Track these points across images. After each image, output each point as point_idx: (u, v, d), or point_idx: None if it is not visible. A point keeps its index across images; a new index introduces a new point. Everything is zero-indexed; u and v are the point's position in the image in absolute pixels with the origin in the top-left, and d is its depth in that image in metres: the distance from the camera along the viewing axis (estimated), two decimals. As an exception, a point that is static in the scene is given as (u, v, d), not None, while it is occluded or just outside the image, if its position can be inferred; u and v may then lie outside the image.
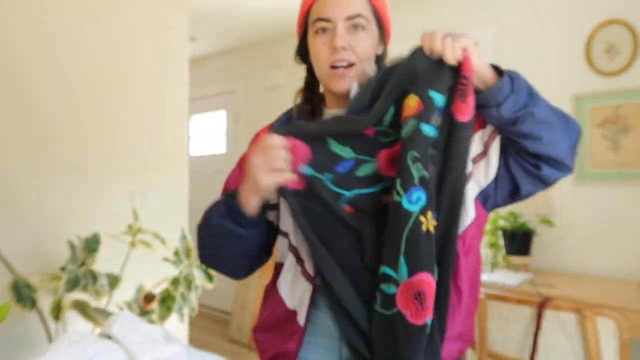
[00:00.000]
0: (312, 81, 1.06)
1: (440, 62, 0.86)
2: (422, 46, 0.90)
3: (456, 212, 0.85)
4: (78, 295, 1.89)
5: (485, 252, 2.46)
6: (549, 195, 2.53)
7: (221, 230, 0.93)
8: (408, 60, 0.90)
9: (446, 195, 0.85)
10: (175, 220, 2.56)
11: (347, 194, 0.88)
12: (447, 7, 2.96)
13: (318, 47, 0.95)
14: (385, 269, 0.83)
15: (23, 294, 1.72)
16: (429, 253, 0.82)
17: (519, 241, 2.41)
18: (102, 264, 2.03)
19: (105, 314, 1.82)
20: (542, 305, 1.73)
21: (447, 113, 0.84)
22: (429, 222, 0.82)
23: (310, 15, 0.98)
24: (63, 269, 1.80)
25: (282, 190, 0.89)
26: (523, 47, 2.66)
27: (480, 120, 0.90)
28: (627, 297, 1.95)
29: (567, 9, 2.51)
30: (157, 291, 2.03)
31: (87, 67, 2.22)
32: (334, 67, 0.94)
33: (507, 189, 0.92)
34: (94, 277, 1.77)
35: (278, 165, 0.85)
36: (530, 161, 0.88)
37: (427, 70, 0.86)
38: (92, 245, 1.87)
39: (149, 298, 1.96)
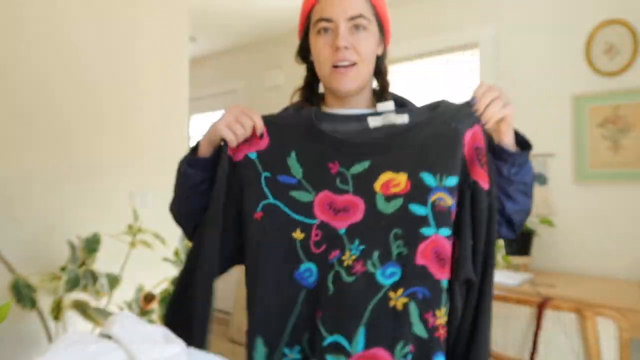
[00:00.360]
0: (312, 80, 1.07)
1: (450, 135, 0.89)
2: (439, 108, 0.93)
3: (488, 271, 0.89)
4: (78, 295, 1.89)
5: (485, 252, 2.45)
6: (549, 195, 2.53)
7: (178, 174, 1.02)
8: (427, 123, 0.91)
9: (478, 256, 0.89)
10: (175, 220, 2.56)
11: (270, 199, 0.91)
12: (448, 7, 2.96)
13: (320, 46, 0.96)
14: (337, 338, 0.82)
15: (23, 294, 1.72)
16: (391, 329, 0.82)
17: (519, 241, 2.41)
18: (102, 264, 2.03)
19: (105, 314, 1.82)
20: (542, 306, 1.73)
21: (469, 179, 0.88)
22: (398, 300, 0.83)
23: (312, 16, 0.98)
24: (63, 269, 1.80)
25: (222, 147, 0.94)
26: (523, 47, 2.66)
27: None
28: (627, 297, 1.95)
29: (567, 8, 2.51)
30: (157, 291, 2.02)
31: (86, 67, 2.21)
32: (335, 66, 0.95)
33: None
34: (94, 277, 1.77)
35: (237, 127, 0.91)
36: (500, 219, 0.95)
37: (427, 140, 0.89)
38: (92, 245, 1.87)
39: (149, 298, 1.96)
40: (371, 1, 0.98)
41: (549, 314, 1.74)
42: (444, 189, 0.86)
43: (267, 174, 0.92)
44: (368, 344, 0.81)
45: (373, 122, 0.92)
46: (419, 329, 0.83)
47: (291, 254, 0.89)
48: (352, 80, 0.95)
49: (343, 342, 0.82)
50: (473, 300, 0.88)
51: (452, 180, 0.87)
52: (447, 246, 0.85)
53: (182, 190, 1.03)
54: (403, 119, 0.91)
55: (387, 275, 0.84)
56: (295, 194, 0.91)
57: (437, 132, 0.89)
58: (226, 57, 4.46)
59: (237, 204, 0.93)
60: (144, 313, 1.94)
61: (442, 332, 0.85)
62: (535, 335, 1.76)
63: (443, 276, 0.85)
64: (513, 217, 0.97)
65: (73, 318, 2.12)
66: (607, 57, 2.37)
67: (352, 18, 0.94)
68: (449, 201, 0.86)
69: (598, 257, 2.40)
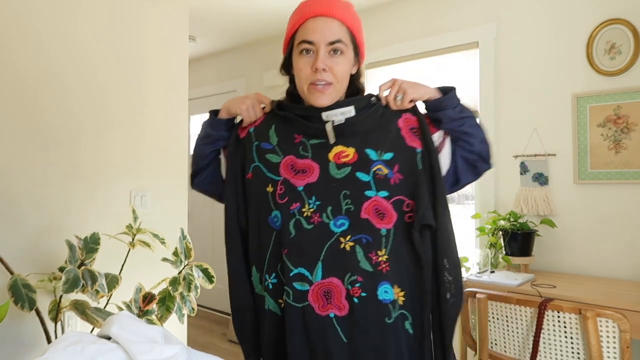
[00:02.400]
0: (293, 90, 1.23)
1: (386, 123, 1.17)
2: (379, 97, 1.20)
3: (441, 212, 1.13)
4: (77, 295, 1.88)
5: (485, 252, 2.45)
6: (550, 195, 2.53)
7: (202, 130, 1.29)
8: (370, 114, 1.17)
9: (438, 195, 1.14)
10: (175, 220, 2.56)
11: (256, 162, 1.19)
12: (448, 7, 2.96)
13: (301, 66, 1.13)
14: (301, 270, 1.07)
15: (22, 294, 1.71)
16: (342, 264, 1.06)
17: (519, 242, 2.41)
18: (101, 264, 2.02)
19: (104, 314, 1.81)
20: (542, 306, 1.73)
21: (408, 147, 1.16)
22: (347, 243, 1.08)
23: (296, 37, 1.15)
24: (62, 269, 1.79)
25: (235, 125, 1.27)
26: (523, 47, 2.65)
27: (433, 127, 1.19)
28: (628, 298, 1.95)
29: (567, 8, 2.51)
30: (156, 291, 2.02)
31: (86, 68, 2.21)
32: (314, 84, 1.12)
33: (450, 182, 1.20)
34: (93, 277, 1.76)
35: (249, 108, 1.22)
36: (473, 157, 1.19)
37: (372, 128, 1.16)
38: (91, 245, 1.86)
39: (148, 298, 1.95)
40: (349, 28, 1.13)
41: (549, 315, 1.73)
42: (382, 162, 1.12)
43: (256, 142, 1.21)
44: (324, 275, 1.06)
45: (326, 117, 1.15)
46: (365, 265, 1.07)
47: (266, 204, 1.14)
48: (327, 97, 1.13)
49: (306, 273, 1.07)
50: (438, 238, 1.12)
51: (389, 155, 1.13)
52: (385, 204, 1.10)
53: (201, 140, 1.28)
54: (350, 111, 1.15)
55: (338, 225, 1.09)
56: (269, 156, 1.17)
57: (376, 122, 1.17)
58: (226, 57, 4.46)
59: (242, 172, 1.21)
60: (143, 313, 1.94)
61: (384, 267, 1.07)
62: (536, 335, 1.75)
63: (382, 226, 1.09)
64: (481, 149, 1.19)
65: (72, 318, 2.11)
66: (608, 56, 2.37)
67: (331, 43, 1.10)
68: (385, 170, 1.11)
69: (599, 257, 2.40)
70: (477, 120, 1.20)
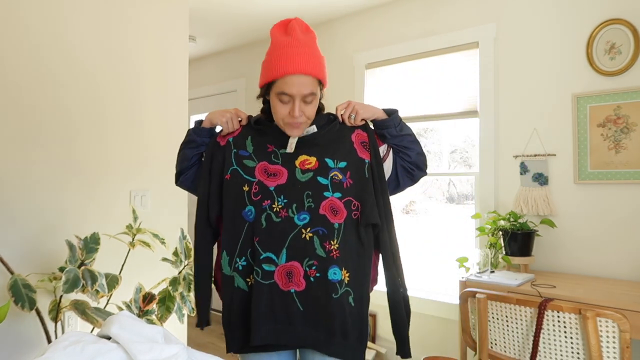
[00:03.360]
0: (268, 111, 1.44)
1: (342, 137, 1.43)
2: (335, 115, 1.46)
3: (387, 215, 1.42)
4: (77, 295, 1.88)
5: (485, 252, 2.45)
6: (550, 195, 2.53)
7: (186, 137, 1.49)
8: (328, 130, 1.43)
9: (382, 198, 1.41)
10: (175, 220, 2.56)
11: (234, 166, 1.41)
12: (447, 7, 2.96)
13: (279, 109, 1.35)
14: (269, 254, 1.32)
15: (22, 294, 1.71)
16: (302, 250, 1.31)
17: (519, 242, 2.41)
18: (101, 264, 2.03)
19: (104, 314, 1.81)
20: (542, 306, 1.73)
21: (359, 158, 1.41)
22: (307, 234, 1.32)
23: (273, 86, 1.35)
24: (62, 269, 1.79)
25: (215, 133, 1.49)
26: (523, 47, 2.65)
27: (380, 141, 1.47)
28: (628, 298, 1.95)
29: (567, 7, 2.51)
30: (156, 291, 2.02)
31: (86, 68, 2.21)
32: (289, 122, 1.35)
33: (393, 186, 1.49)
34: (93, 277, 1.76)
35: (228, 121, 1.44)
36: (410, 167, 1.47)
37: (330, 142, 1.41)
38: (91, 245, 1.86)
39: (148, 298, 1.95)
40: (318, 78, 1.35)
41: (549, 315, 1.73)
42: (337, 169, 1.37)
43: (235, 150, 1.43)
44: (288, 259, 1.32)
45: (292, 137, 1.40)
46: (320, 252, 1.32)
47: (241, 200, 1.36)
48: (299, 130, 1.38)
49: (273, 257, 1.32)
50: (386, 237, 1.40)
51: (343, 164, 1.38)
52: (338, 203, 1.34)
53: (186, 145, 1.48)
54: (313, 128, 1.41)
55: (300, 219, 1.33)
56: (246, 161, 1.40)
57: (334, 136, 1.42)
58: (226, 57, 4.46)
59: (220, 173, 1.43)
60: (143, 313, 1.94)
61: (335, 253, 1.32)
62: (536, 335, 1.75)
63: (335, 221, 1.33)
64: (417, 160, 1.47)
65: (72, 318, 2.11)
66: (608, 56, 2.37)
67: (305, 96, 1.33)
68: (340, 176, 1.36)
69: (599, 257, 2.40)
70: (414, 138, 1.48)
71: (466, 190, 3.12)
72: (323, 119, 1.44)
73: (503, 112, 2.72)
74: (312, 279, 1.31)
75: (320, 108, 1.47)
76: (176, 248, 2.04)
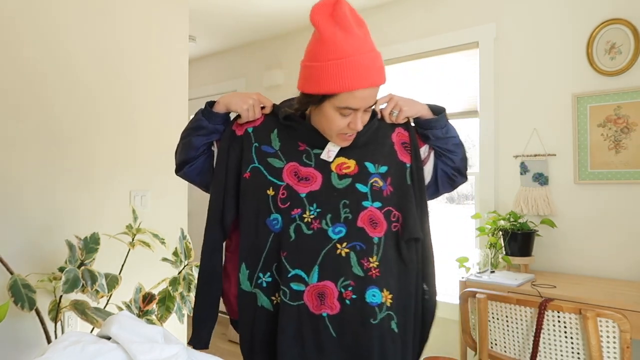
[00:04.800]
0: (303, 113, 1.24)
1: (381, 137, 1.25)
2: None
3: (427, 228, 1.26)
4: (77, 295, 1.88)
5: (485, 252, 2.45)
6: (550, 195, 2.53)
7: (195, 121, 1.27)
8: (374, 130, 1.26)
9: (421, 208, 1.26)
10: (175, 220, 2.55)
11: (256, 163, 1.22)
12: (448, 7, 2.96)
13: (338, 121, 1.14)
14: (298, 272, 1.14)
15: (22, 294, 1.71)
16: (337, 268, 1.14)
17: (519, 242, 2.41)
18: (101, 264, 2.02)
19: (104, 314, 1.81)
20: (542, 306, 1.73)
21: (399, 161, 1.25)
22: (342, 249, 1.15)
23: (336, 99, 1.11)
24: (62, 269, 1.79)
25: (227, 117, 1.28)
26: (523, 47, 2.65)
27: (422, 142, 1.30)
28: (628, 298, 1.95)
29: (567, 7, 2.50)
30: (156, 291, 2.02)
31: (86, 68, 2.21)
32: (343, 133, 1.17)
33: (430, 192, 1.32)
34: (93, 277, 1.76)
35: (249, 108, 1.23)
36: (452, 172, 1.31)
37: (369, 142, 1.24)
38: (91, 245, 1.86)
39: (148, 298, 1.95)
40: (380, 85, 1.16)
41: (549, 315, 1.73)
42: (378, 175, 1.20)
43: (256, 144, 1.23)
44: (320, 278, 1.14)
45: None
46: (357, 270, 1.15)
47: (265, 206, 1.19)
48: (349, 143, 1.20)
49: (303, 275, 1.14)
50: (420, 249, 1.24)
51: (384, 169, 1.22)
52: (378, 214, 1.18)
53: (194, 131, 1.27)
54: None
55: (336, 232, 1.16)
56: (271, 160, 1.21)
57: (373, 136, 1.24)
58: (226, 57, 4.46)
59: (237, 169, 1.24)
60: (143, 313, 1.93)
61: (374, 272, 1.15)
62: (536, 335, 1.75)
63: (375, 235, 1.17)
64: (461, 165, 1.31)
65: (72, 318, 2.11)
66: (608, 56, 2.37)
67: (369, 107, 1.15)
68: (380, 183, 1.20)
69: (599, 257, 2.40)
70: (459, 140, 1.31)
71: (466, 190, 3.12)
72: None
73: (503, 112, 2.72)
74: (347, 301, 1.13)
75: None
76: (176, 248, 2.04)
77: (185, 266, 2.01)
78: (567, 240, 2.49)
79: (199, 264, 2.02)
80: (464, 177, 1.34)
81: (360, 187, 1.18)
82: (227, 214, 1.24)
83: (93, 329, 1.91)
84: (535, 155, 2.58)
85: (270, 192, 1.19)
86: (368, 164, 1.21)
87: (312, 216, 1.16)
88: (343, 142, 1.19)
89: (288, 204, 1.17)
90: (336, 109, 1.13)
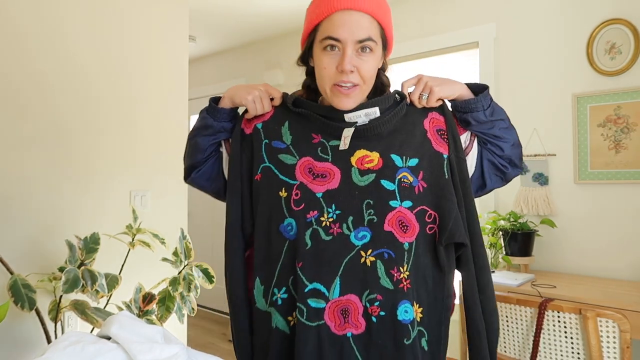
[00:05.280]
0: (311, 84, 1.11)
1: (411, 124, 1.07)
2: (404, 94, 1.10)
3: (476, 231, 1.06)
4: (77, 295, 1.88)
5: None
6: (550, 195, 2.53)
7: (200, 120, 1.14)
8: (395, 113, 1.07)
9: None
10: (175, 220, 2.55)
11: (266, 162, 1.07)
12: (447, 7, 2.96)
13: (325, 64, 1.00)
14: (316, 285, 0.98)
15: (22, 294, 1.71)
16: (361, 280, 0.97)
17: (519, 242, 2.41)
18: (101, 264, 2.02)
19: (104, 314, 1.81)
20: (542, 306, 1.73)
21: (433, 151, 1.06)
22: (368, 258, 0.98)
23: (319, 29, 1.01)
24: (62, 269, 1.79)
25: (235, 113, 1.15)
26: (523, 47, 2.65)
27: (461, 128, 1.11)
28: (628, 298, 1.95)
29: (568, 7, 2.50)
30: (156, 291, 2.02)
31: (86, 68, 2.21)
32: (338, 85, 1.00)
33: (475, 187, 1.13)
34: (93, 277, 1.76)
35: (256, 100, 1.09)
36: (502, 162, 1.11)
37: (396, 130, 1.06)
38: (91, 245, 1.86)
39: (148, 298, 1.95)
40: (380, 23, 1.01)
41: (549, 315, 1.73)
42: (407, 169, 1.03)
43: (266, 140, 1.09)
44: (342, 292, 0.97)
45: (349, 119, 1.05)
46: (385, 282, 0.98)
47: (277, 210, 1.03)
48: (352, 100, 1.02)
49: (322, 289, 0.97)
50: (470, 260, 1.04)
51: (414, 161, 1.04)
52: (409, 216, 1.01)
53: (200, 131, 1.15)
54: (375, 112, 1.04)
55: (359, 237, 0.99)
56: (282, 157, 1.06)
57: (400, 123, 1.07)
58: (226, 57, 4.46)
59: (249, 172, 1.10)
60: (143, 313, 1.93)
61: (405, 284, 0.98)
62: (536, 335, 1.75)
63: (405, 240, 1.00)
64: (512, 154, 1.11)
65: (72, 318, 2.11)
66: (608, 56, 2.37)
67: (360, 41, 0.98)
68: (410, 178, 1.02)
69: (599, 257, 2.40)
70: (509, 123, 1.12)
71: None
72: (388, 100, 1.08)
73: (503, 112, 2.72)
74: (373, 318, 0.96)
75: (384, 82, 1.13)
76: (176, 248, 2.04)
77: (185, 266, 2.01)
78: (567, 240, 2.49)
79: (199, 264, 2.03)
80: (517, 168, 1.13)
81: (386, 183, 1.00)
82: (247, 224, 1.09)
83: (93, 329, 1.91)
84: (535, 155, 2.57)
85: (283, 193, 1.03)
86: (394, 157, 1.02)
87: (330, 219, 0.99)
88: (341, 98, 1.01)
89: (303, 205, 1.00)
90: (322, 48, 1.00)
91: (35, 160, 2.05)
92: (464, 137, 1.11)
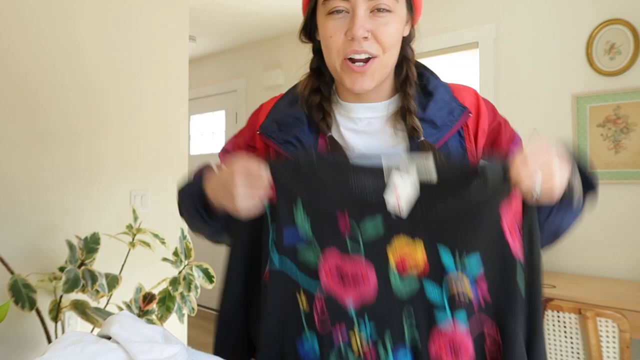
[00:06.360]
0: (320, 64, 0.87)
1: (479, 203, 0.73)
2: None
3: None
4: (77, 295, 1.88)
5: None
6: (550, 195, 2.53)
7: (193, 213, 0.90)
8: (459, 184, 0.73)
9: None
10: (175, 220, 2.54)
11: (276, 258, 0.78)
12: (447, 7, 2.96)
13: (331, 32, 0.78)
14: None
15: (22, 294, 1.71)
16: None
17: (519, 241, 2.41)
18: (101, 264, 2.02)
19: (104, 314, 1.81)
20: (542, 306, 1.73)
21: (506, 249, 0.75)
22: None
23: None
24: (62, 269, 1.79)
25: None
26: (523, 47, 2.65)
27: None
28: (628, 298, 1.95)
29: (567, 8, 2.51)
30: (156, 291, 2.02)
31: (86, 68, 2.21)
32: (349, 58, 0.79)
33: None
34: (93, 277, 1.76)
35: (254, 206, 0.77)
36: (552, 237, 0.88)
37: (455, 209, 0.73)
38: (91, 245, 1.86)
39: (148, 298, 1.95)
40: None
41: (549, 315, 1.73)
42: (464, 273, 0.73)
43: (274, 225, 0.79)
44: None
45: (393, 178, 0.74)
46: None
47: (294, 323, 0.77)
48: (370, 78, 0.80)
49: None
50: None
51: (474, 261, 0.73)
52: (462, 338, 0.74)
53: (194, 223, 0.94)
54: (430, 175, 0.73)
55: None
56: (300, 249, 0.77)
57: (468, 207, 0.74)
58: (226, 57, 4.46)
59: (254, 267, 0.82)
60: (143, 313, 1.94)
61: None
62: (536, 335, 1.75)
63: None
64: (564, 231, 0.90)
65: (72, 318, 2.11)
66: (608, 56, 2.37)
67: (374, 4, 0.77)
68: (467, 288, 0.73)
69: (599, 257, 2.40)
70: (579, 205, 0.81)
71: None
72: (466, 167, 0.76)
73: (503, 112, 2.71)
74: None
75: (407, 56, 0.88)
76: (176, 248, 2.04)
77: (185, 266, 2.01)
78: (567, 240, 2.48)
79: (200, 264, 2.03)
80: (552, 245, 0.89)
81: (432, 292, 0.74)
82: (251, 328, 0.85)
83: (93, 328, 1.91)
84: (535, 155, 2.58)
85: (303, 304, 0.77)
86: (442, 250, 0.73)
87: (362, 336, 0.74)
88: (354, 78, 0.79)
89: (328, 320, 0.75)
90: (326, 13, 0.79)
91: (35, 161, 2.05)
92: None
